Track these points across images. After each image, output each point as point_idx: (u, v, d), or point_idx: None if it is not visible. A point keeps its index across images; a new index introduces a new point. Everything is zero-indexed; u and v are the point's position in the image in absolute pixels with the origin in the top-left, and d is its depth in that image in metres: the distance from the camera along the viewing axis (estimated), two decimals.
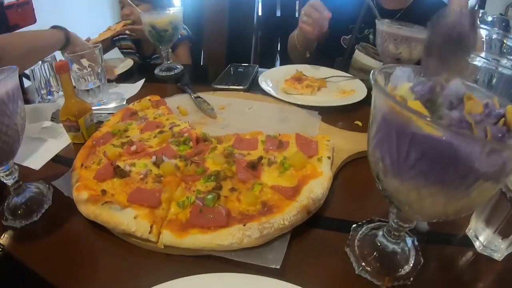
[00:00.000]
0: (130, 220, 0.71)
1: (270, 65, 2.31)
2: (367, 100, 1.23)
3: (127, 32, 2.00)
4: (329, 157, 0.89)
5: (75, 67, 1.28)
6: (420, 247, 0.70)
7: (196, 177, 0.82)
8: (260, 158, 0.87)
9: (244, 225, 0.69)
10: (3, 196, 0.87)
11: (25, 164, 1.00)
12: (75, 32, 1.81)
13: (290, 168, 0.84)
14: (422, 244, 0.71)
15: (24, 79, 1.64)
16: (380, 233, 0.70)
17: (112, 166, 0.84)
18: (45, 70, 1.36)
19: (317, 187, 0.78)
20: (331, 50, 1.84)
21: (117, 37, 2.16)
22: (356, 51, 1.56)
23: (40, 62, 1.35)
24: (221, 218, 0.70)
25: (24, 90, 1.54)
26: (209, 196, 0.75)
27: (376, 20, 1.29)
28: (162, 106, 1.19)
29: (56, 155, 1.05)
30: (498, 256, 0.68)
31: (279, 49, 2.49)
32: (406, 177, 0.48)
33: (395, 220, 0.63)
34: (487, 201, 0.68)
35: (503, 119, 0.45)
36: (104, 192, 0.78)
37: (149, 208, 0.73)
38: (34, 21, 1.93)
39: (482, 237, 0.70)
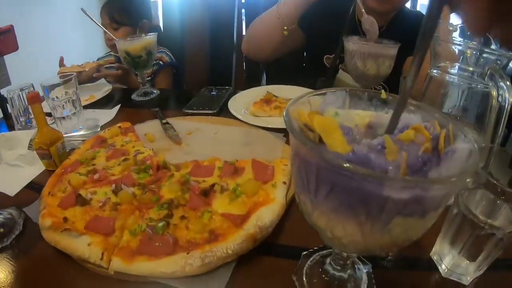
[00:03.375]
0: (84, 247, 0.76)
1: (256, 85, 2.34)
2: None
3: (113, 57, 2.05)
4: (284, 182, 0.90)
5: (52, 94, 1.32)
6: (377, 273, 0.69)
7: (150, 205, 0.87)
8: (213, 185, 0.91)
9: (187, 253, 0.73)
10: None
11: (0, 190, 1.05)
12: (63, 57, 1.88)
13: (241, 195, 0.87)
14: (380, 270, 0.70)
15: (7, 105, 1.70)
16: (328, 260, 0.69)
17: (75, 194, 0.90)
18: (23, 97, 1.40)
19: (266, 214, 0.79)
20: (314, 70, 1.84)
21: (106, 66, 2.19)
22: (340, 70, 1.59)
23: (18, 90, 1.39)
24: (168, 246, 0.75)
25: (8, 116, 1.59)
26: (159, 224, 0.79)
27: (343, 38, 1.33)
28: (130, 133, 1.24)
29: (31, 182, 1.10)
30: (467, 279, 0.67)
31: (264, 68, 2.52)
32: (321, 211, 0.47)
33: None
34: (421, 235, 0.65)
35: (427, 144, 0.44)
36: (65, 219, 0.83)
37: (103, 236, 0.79)
38: (16, 48, 1.99)
39: (447, 260, 0.68)
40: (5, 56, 1.82)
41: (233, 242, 0.73)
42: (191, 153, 1.16)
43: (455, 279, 0.68)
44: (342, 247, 0.54)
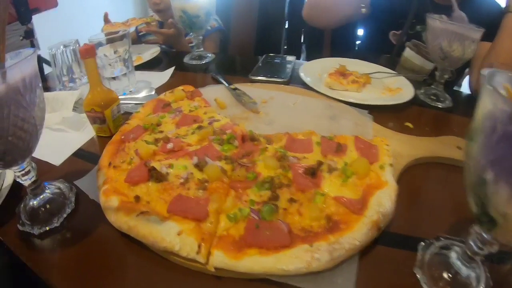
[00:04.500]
0: (172, 237, 0.59)
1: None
2: (414, 100, 1.15)
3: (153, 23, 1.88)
4: (391, 164, 0.78)
5: (100, 52, 1.15)
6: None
7: (247, 183, 0.70)
8: (320, 163, 0.75)
9: (311, 246, 0.58)
10: (19, 196, 0.75)
11: (43, 158, 0.89)
12: (96, 18, 1.70)
13: (352, 176, 0.73)
14: (487, 263, 0.61)
15: (44, 65, 1.53)
16: (453, 254, 0.61)
17: (146, 167, 0.72)
18: (67, 55, 1.24)
19: (385, 200, 0.67)
20: (378, 45, 1.70)
21: (142, 32, 2.03)
22: (407, 49, 1.45)
23: (62, 46, 1.23)
24: (283, 235, 0.59)
25: (44, 77, 1.42)
26: (266, 208, 0.63)
27: (427, 15, 1.19)
28: (197, 98, 1.08)
29: (79, 150, 0.94)
30: None
31: (302, 41, 2.40)
32: None
33: (477, 242, 0.55)
34: None
35: None
36: (137, 198, 0.67)
37: (195, 222, 0.61)
38: (55, 4, 1.82)
39: None
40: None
41: (359, 231, 0.61)
42: (273, 124, 1.00)
43: None
44: None
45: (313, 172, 0.72)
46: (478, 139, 0.46)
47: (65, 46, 1.23)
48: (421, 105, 1.17)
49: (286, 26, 2.35)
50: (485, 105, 0.44)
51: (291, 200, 0.66)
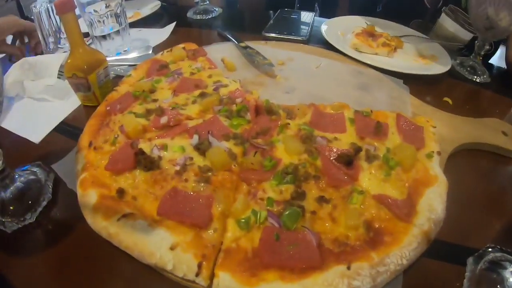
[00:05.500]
0: (164, 251, 0.46)
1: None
2: (449, 71, 1.03)
3: None
4: (439, 153, 0.65)
5: (90, 8, 1.02)
6: None
7: (263, 174, 0.55)
8: (358, 148, 0.60)
9: (348, 268, 0.45)
10: None
11: (22, 134, 0.77)
12: None
13: (396, 167, 0.59)
14: None
15: None
16: (508, 275, 0.53)
17: (132, 149, 0.58)
18: (53, 11, 1.08)
19: (436, 202, 0.56)
20: (410, 8, 1.55)
21: None
22: (443, 14, 1.32)
23: (46, 1, 1.07)
24: (311, 251, 0.46)
25: None
26: (289, 212, 0.49)
27: None
28: (201, 58, 0.93)
29: (62, 123, 0.81)
30: None
31: None
32: None
33: None
34: None
35: None
36: (121, 192, 0.53)
37: (193, 229, 0.48)
38: None
39: None
40: None
41: (408, 247, 0.49)
42: (293, 91, 0.86)
43: None
44: None
45: (349, 161, 0.58)
46: None
47: (50, 1, 1.08)
48: (456, 77, 1.05)
49: None
50: None
51: (321, 200, 0.52)
